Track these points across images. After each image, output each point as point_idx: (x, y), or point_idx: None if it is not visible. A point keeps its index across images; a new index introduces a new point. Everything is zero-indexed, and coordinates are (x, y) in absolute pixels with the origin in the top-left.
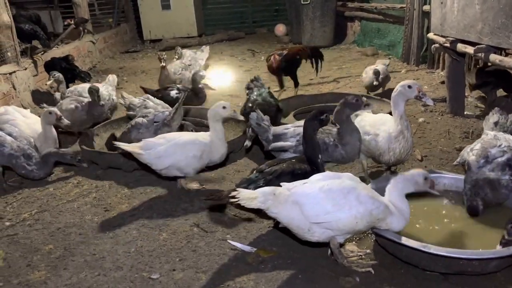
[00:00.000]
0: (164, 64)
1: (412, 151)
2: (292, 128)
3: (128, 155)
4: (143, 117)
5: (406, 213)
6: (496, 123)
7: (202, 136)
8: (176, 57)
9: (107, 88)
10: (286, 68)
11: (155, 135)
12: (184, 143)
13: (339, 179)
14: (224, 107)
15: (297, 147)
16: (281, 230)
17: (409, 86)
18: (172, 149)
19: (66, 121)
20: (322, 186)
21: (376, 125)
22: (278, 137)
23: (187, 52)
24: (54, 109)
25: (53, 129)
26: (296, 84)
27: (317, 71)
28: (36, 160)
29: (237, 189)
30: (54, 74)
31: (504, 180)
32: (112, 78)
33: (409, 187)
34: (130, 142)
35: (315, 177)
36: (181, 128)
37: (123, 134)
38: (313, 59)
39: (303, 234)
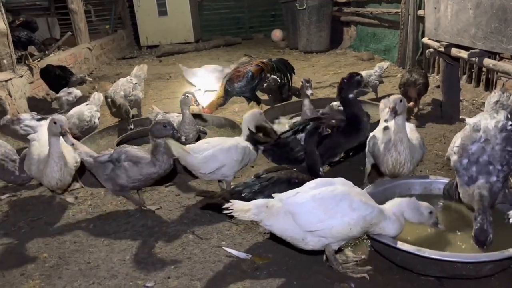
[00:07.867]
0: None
1: (410, 166)
2: None
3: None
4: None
5: (402, 221)
6: (496, 102)
7: (241, 140)
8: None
9: (91, 109)
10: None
11: None
12: (229, 147)
13: (332, 186)
14: (260, 113)
15: None
16: (277, 240)
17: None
18: (218, 154)
19: (71, 140)
20: (315, 195)
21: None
22: None
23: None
24: (61, 117)
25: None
26: (259, 102)
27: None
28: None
29: (231, 200)
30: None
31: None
32: (98, 96)
33: (413, 216)
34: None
35: (308, 185)
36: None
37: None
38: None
39: (297, 243)
